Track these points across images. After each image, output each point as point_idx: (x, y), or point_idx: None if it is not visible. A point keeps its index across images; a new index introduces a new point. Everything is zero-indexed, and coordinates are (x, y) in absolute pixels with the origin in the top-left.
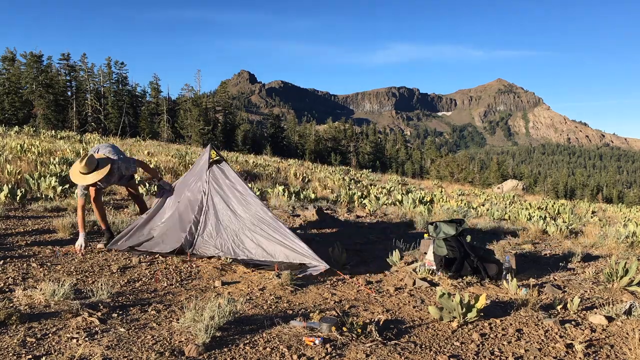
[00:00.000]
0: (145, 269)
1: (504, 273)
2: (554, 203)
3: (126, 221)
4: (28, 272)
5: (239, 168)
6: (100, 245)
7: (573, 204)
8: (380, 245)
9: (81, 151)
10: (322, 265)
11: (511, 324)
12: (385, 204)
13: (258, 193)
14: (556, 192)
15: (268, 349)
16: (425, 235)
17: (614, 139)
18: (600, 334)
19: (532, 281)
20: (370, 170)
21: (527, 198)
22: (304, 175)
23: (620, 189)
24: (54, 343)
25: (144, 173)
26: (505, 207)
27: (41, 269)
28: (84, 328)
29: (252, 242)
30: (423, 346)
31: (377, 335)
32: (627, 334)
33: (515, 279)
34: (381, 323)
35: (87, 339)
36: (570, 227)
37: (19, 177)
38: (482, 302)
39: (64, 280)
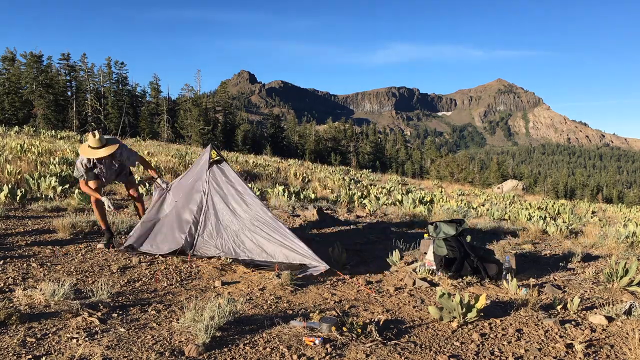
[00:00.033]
0: (145, 269)
1: (504, 273)
2: (554, 203)
3: (126, 221)
4: (28, 272)
5: (239, 168)
6: (100, 246)
7: (573, 204)
8: (380, 245)
9: None
10: (322, 266)
11: (511, 324)
12: (385, 204)
13: (258, 193)
14: (556, 192)
15: (268, 349)
16: (425, 235)
17: (614, 139)
18: (600, 334)
19: (532, 281)
20: (370, 170)
21: (527, 198)
22: (304, 175)
23: (620, 189)
24: (54, 343)
25: (143, 172)
26: (505, 207)
27: (41, 269)
28: (84, 328)
29: (252, 242)
30: (423, 346)
31: (377, 335)
32: (627, 334)
33: (515, 279)
34: (381, 323)
35: (87, 339)
36: (570, 227)
37: (19, 177)
38: (482, 302)
39: (64, 280)
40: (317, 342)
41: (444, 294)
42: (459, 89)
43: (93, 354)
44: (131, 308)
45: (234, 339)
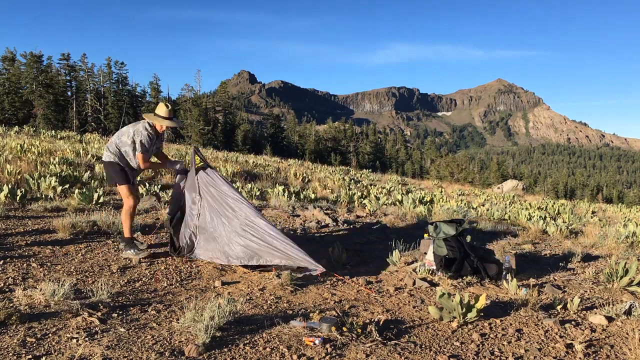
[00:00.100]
0: (145, 269)
1: (504, 273)
2: (554, 203)
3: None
4: (28, 272)
5: (239, 168)
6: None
7: (573, 204)
8: (380, 245)
9: (81, 151)
10: (319, 269)
11: (511, 324)
12: (385, 204)
13: (258, 193)
14: (556, 192)
15: (268, 349)
16: (425, 235)
17: (614, 139)
18: (600, 334)
19: (532, 281)
20: (370, 170)
21: (527, 198)
22: (304, 175)
23: (620, 189)
24: (54, 343)
25: (144, 173)
26: (505, 207)
27: (41, 269)
28: (84, 328)
29: (244, 248)
30: (423, 346)
31: (377, 335)
32: (627, 334)
33: (515, 279)
34: (381, 323)
35: (87, 339)
36: (570, 227)
37: (19, 177)
38: (482, 302)
39: (64, 280)
40: (317, 342)
41: (444, 294)
42: (459, 89)
43: (93, 354)
44: (131, 308)
45: (234, 339)
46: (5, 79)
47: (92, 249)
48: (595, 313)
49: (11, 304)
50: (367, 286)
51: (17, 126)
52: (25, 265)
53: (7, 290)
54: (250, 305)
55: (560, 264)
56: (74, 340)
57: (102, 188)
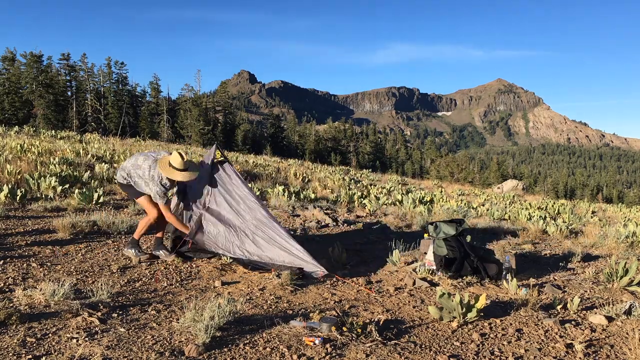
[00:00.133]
0: (145, 269)
1: (504, 273)
2: (554, 203)
3: (126, 221)
4: (28, 272)
5: (239, 168)
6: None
7: (573, 204)
8: (380, 245)
9: (81, 151)
10: (320, 271)
11: (511, 324)
12: (385, 204)
13: (258, 193)
14: (556, 192)
15: (268, 349)
16: (425, 235)
17: (614, 139)
18: (600, 334)
19: (532, 281)
20: (370, 170)
21: (527, 198)
22: (304, 175)
23: (620, 189)
24: (54, 343)
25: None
26: (505, 207)
27: (41, 269)
28: (84, 328)
29: (252, 244)
30: (423, 346)
31: (377, 335)
32: (627, 334)
33: (515, 279)
34: (381, 323)
35: (87, 339)
36: (570, 227)
37: (19, 177)
38: (482, 302)
39: (64, 280)
40: (317, 342)
41: (444, 293)
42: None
43: (93, 354)
44: (131, 308)
45: (234, 339)
46: (5, 79)
47: (92, 248)
48: (595, 313)
49: (11, 304)
50: (367, 286)
51: (17, 126)
52: (25, 265)
53: (7, 290)
54: (250, 305)
55: (560, 263)
56: (74, 340)
57: (102, 188)
